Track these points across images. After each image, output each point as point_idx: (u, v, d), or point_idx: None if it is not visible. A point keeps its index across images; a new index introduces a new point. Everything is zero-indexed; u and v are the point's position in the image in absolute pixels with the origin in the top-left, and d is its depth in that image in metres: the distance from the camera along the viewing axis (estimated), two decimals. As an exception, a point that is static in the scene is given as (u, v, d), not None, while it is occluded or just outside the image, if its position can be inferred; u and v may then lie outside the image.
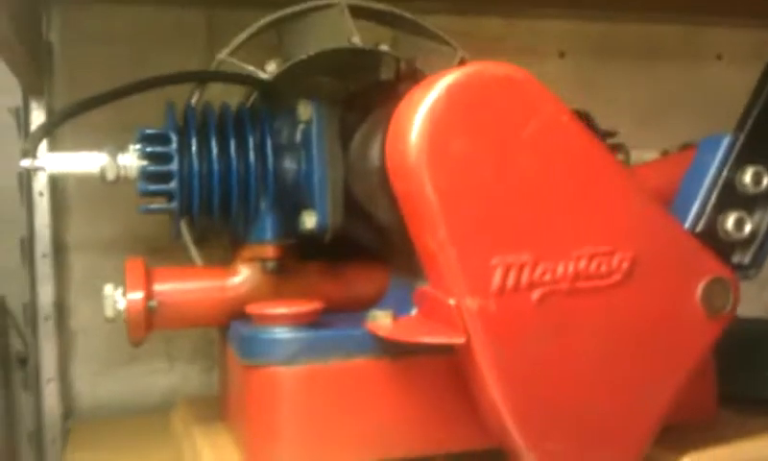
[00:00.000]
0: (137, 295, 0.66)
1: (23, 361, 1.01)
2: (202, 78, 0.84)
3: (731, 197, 0.66)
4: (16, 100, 1.01)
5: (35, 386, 1.01)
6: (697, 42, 1.30)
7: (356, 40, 0.90)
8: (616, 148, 0.87)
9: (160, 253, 0.92)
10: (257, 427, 0.63)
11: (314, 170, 0.70)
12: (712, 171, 0.65)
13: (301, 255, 0.74)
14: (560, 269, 0.59)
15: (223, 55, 0.86)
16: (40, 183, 1.00)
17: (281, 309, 0.63)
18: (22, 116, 1.00)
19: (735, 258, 0.66)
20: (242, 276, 0.71)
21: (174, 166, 0.67)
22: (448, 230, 0.57)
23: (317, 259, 0.75)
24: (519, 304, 0.58)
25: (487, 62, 0.58)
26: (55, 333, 1.00)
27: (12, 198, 1.01)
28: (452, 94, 0.57)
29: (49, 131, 0.71)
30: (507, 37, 1.23)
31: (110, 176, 0.68)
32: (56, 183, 1.01)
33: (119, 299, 0.66)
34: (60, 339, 1.01)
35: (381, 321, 0.63)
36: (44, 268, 1.00)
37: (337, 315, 0.67)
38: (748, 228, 0.65)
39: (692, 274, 0.63)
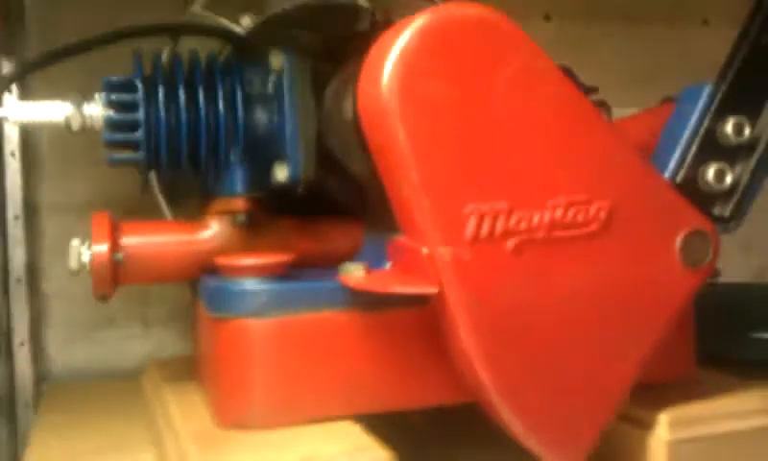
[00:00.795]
0: (102, 247, 0.65)
1: (-6, 325, 1.00)
2: (175, 30, 0.82)
3: (711, 148, 0.64)
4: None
5: (6, 350, 1.00)
6: (684, 6, 1.28)
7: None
8: (598, 105, 0.85)
9: (135, 214, 0.90)
10: (226, 382, 0.62)
11: (286, 121, 0.68)
12: (693, 121, 0.64)
13: (275, 211, 0.73)
14: (536, 218, 0.57)
15: (196, 7, 0.83)
16: (12, 144, 0.98)
17: (250, 261, 0.62)
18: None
19: (716, 211, 0.64)
20: (212, 229, 0.70)
21: (140, 115, 0.65)
22: (421, 176, 0.55)
23: (289, 215, 0.73)
24: (494, 253, 0.57)
25: (460, 4, 0.56)
26: (27, 296, 0.99)
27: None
28: (424, 36, 0.55)
29: (13, 80, 0.69)
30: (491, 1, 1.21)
31: (75, 125, 0.66)
32: (27, 144, 0.99)
33: (84, 251, 0.64)
34: (32, 302, 0.99)
35: (354, 273, 0.62)
36: (16, 230, 0.98)
37: (309, 269, 0.66)
38: (729, 179, 0.64)
39: (671, 225, 0.61)
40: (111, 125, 0.65)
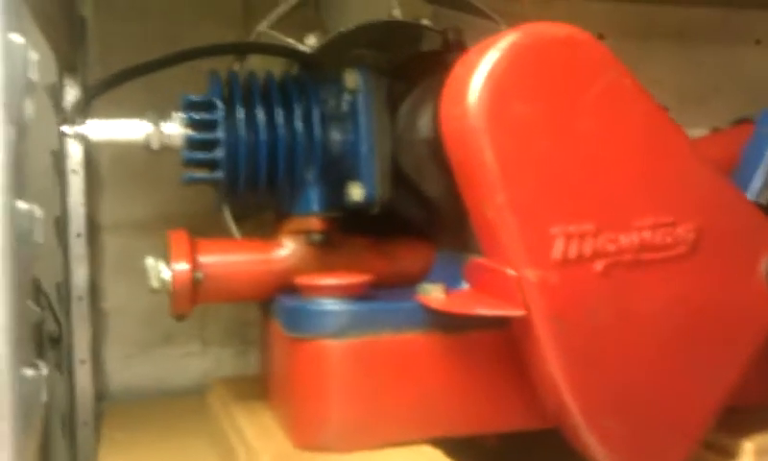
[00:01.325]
0: (184, 266, 0.65)
1: (56, 341, 1.00)
2: (242, 50, 0.82)
3: (796, 169, 0.63)
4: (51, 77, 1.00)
5: (67, 367, 1.00)
6: (736, 26, 1.27)
7: (396, 13, 0.88)
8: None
9: (195, 234, 0.91)
10: (305, 403, 0.62)
11: (362, 140, 0.68)
12: (772, 143, 0.63)
13: (347, 230, 0.72)
14: (623, 239, 0.57)
15: (262, 27, 0.84)
16: (74, 162, 0.99)
17: (331, 280, 0.62)
18: (58, 93, 0.99)
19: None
20: (287, 248, 0.69)
21: (220, 134, 0.65)
22: (508, 196, 0.55)
23: (363, 234, 0.73)
24: (581, 276, 0.56)
25: (547, 23, 0.56)
26: (88, 314, 0.99)
27: (45, 176, 1.00)
28: (511, 55, 0.55)
29: (91, 99, 0.69)
30: (545, 19, 1.21)
31: (155, 144, 0.66)
32: (89, 162, 1.00)
33: (164, 269, 0.65)
34: (92, 320, 1.00)
35: (434, 294, 0.61)
36: (78, 248, 0.99)
37: (385, 289, 0.66)
38: (812, 201, 0.63)
39: (757, 246, 0.60)
40: (191, 144, 0.66)
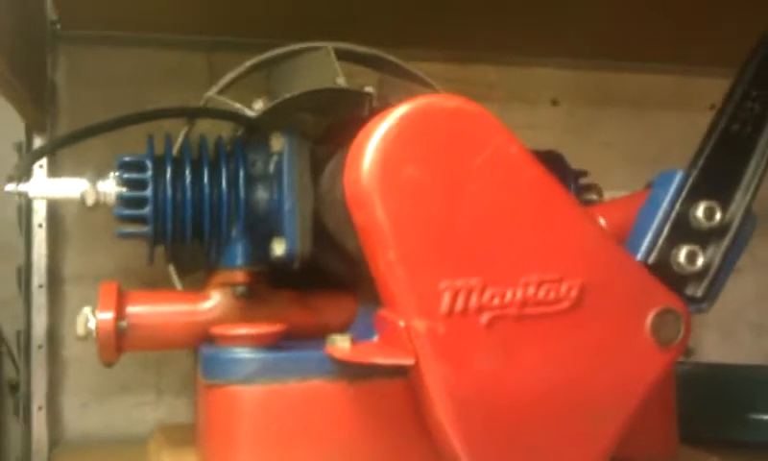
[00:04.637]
0: (107, 315, 0.69)
1: (15, 388, 1.04)
2: (190, 114, 0.88)
3: (683, 231, 0.67)
4: (20, 135, 1.05)
5: (25, 413, 1.04)
6: (690, 92, 1.32)
7: (340, 81, 0.93)
8: (590, 188, 0.89)
9: (153, 285, 0.95)
10: (216, 447, 0.65)
11: (284, 199, 0.73)
12: (665, 205, 0.67)
13: (273, 284, 0.77)
14: (508, 294, 0.61)
15: (211, 92, 0.89)
16: (39, 216, 1.04)
17: (242, 330, 0.66)
18: (24, 151, 1.04)
19: (689, 291, 0.67)
20: (213, 300, 0.74)
21: (148, 192, 0.70)
22: (398, 253, 0.59)
23: (288, 288, 0.77)
24: (468, 328, 0.60)
25: (440, 95, 0.61)
26: (46, 362, 1.03)
27: (11, 228, 1.05)
28: (403, 124, 0.59)
29: (37, 157, 0.75)
30: (500, 85, 1.26)
31: (90, 201, 0.71)
32: (54, 217, 1.05)
33: (90, 318, 0.69)
34: (51, 368, 1.04)
35: (339, 344, 0.65)
36: (39, 298, 1.03)
37: (301, 340, 0.70)
38: (700, 261, 0.67)
39: (642, 304, 0.64)
40: (122, 201, 0.70)
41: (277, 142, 0.74)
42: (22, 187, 0.71)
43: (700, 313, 0.67)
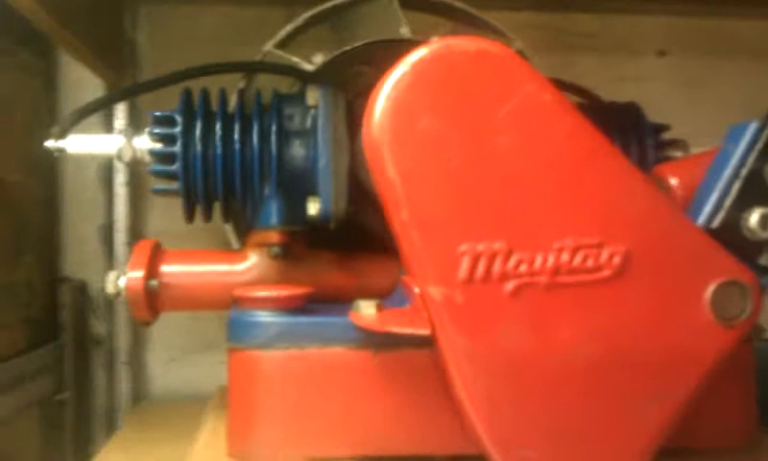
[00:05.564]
0: (137, 274, 0.68)
1: (100, 343, 1.06)
2: (245, 68, 0.85)
3: (757, 191, 0.58)
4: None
5: (109, 369, 1.07)
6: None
7: (404, 31, 0.88)
8: (673, 144, 0.80)
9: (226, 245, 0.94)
10: (235, 412, 0.63)
11: (319, 155, 0.69)
12: (734, 161, 0.58)
13: (314, 245, 0.73)
14: (538, 260, 0.54)
15: (268, 46, 0.86)
16: (122, 175, 1.05)
17: (261, 292, 0.63)
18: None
19: (763, 261, 0.58)
20: (249, 261, 0.71)
21: (177, 148, 0.68)
22: (411, 212, 0.54)
23: (330, 249, 0.74)
24: (490, 296, 0.54)
25: (462, 37, 0.55)
26: (130, 318, 1.05)
27: (93, 186, 1.07)
28: (417, 70, 0.54)
29: (81, 117, 0.74)
30: (600, 35, 1.17)
31: (126, 157, 0.70)
32: (136, 174, 1.05)
33: (121, 277, 0.68)
34: (135, 324, 1.06)
35: (364, 310, 0.61)
36: (123, 255, 1.05)
37: (334, 305, 0.66)
38: (776, 227, 0.58)
39: (700, 275, 0.56)
40: (155, 157, 0.69)
41: (312, 96, 0.70)
42: (60, 143, 0.70)
43: (774, 287, 0.58)
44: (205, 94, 0.72)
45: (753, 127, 0.58)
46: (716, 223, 0.58)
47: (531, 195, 0.54)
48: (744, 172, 0.58)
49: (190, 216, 0.72)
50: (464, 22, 0.94)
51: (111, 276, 0.68)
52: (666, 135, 0.80)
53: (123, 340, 1.06)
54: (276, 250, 0.70)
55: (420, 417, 0.61)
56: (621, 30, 1.17)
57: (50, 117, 1.03)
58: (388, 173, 0.54)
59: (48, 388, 0.99)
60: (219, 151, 0.68)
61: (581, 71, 1.19)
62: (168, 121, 0.69)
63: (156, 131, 0.69)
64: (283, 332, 0.61)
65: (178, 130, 0.68)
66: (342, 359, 0.61)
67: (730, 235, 0.58)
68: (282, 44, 0.87)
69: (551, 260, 0.54)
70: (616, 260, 0.55)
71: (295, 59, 0.84)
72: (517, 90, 0.54)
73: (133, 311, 0.69)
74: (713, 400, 0.62)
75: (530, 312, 0.54)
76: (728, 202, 0.58)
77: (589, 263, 0.55)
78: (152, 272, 0.68)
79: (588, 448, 0.55)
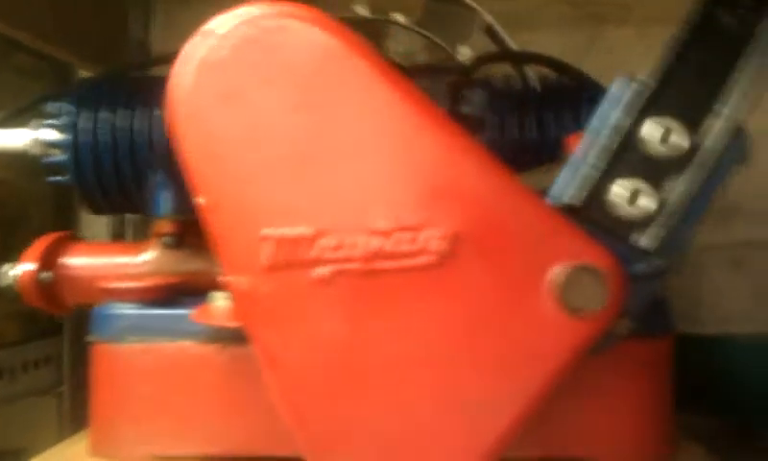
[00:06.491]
0: (28, 266, 0.67)
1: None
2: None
3: (628, 160, 0.49)
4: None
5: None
6: None
7: (361, 10, 0.84)
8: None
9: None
10: (95, 408, 0.61)
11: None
12: (604, 128, 0.50)
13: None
14: (350, 245, 0.49)
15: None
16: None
17: (119, 284, 0.60)
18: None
19: (633, 241, 0.49)
20: (147, 253, 0.69)
21: (65, 137, 0.67)
22: (208, 197, 0.50)
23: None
24: (297, 285, 0.49)
25: (258, 3, 0.50)
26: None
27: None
28: (212, 44, 0.49)
29: (19, 114, 0.74)
30: (635, 6, 1.07)
31: (37, 150, 0.69)
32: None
33: (12, 270, 0.68)
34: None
35: (217, 302, 0.57)
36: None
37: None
38: (649, 201, 0.48)
39: (543, 260, 0.48)
40: (47, 148, 0.68)
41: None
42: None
43: (658, 274, 0.49)
44: (98, 82, 0.71)
45: (632, 85, 0.50)
46: (569, 197, 0.49)
47: (341, 173, 0.49)
48: (611, 138, 0.49)
49: (94, 208, 0.71)
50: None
51: (5, 268, 0.68)
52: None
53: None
54: (168, 240, 0.67)
55: (268, 416, 0.56)
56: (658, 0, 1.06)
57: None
58: (185, 155, 0.50)
59: (46, 381, 1.01)
60: (104, 139, 0.67)
61: (612, 45, 1.10)
62: (60, 111, 0.68)
63: (49, 122, 0.68)
64: (133, 325, 0.59)
65: (67, 120, 0.67)
66: (189, 354, 0.58)
67: (599, 214, 0.49)
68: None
69: (367, 244, 0.48)
70: (441, 244, 0.48)
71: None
72: (321, 58, 0.49)
73: (28, 303, 0.68)
74: (608, 405, 0.55)
75: (344, 302, 0.49)
76: (593, 173, 0.49)
77: (410, 248, 0.48)
78: (46, 264, 0.68)
79: (414, 454, 0.49)
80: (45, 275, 0.67)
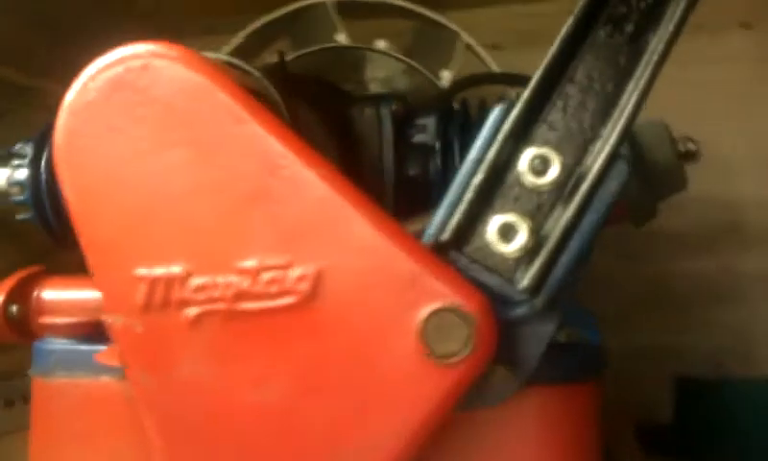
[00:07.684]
0: (-5, 300, 0.70)
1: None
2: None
3: (500, 193, 0.46)
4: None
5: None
6: None
7: (341, 38, 0.84)
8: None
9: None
10: (31, 438, 0.62)
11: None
12: (472, 156, 0.46)
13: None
14: (219, 285, 0.48)
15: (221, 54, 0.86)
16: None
17: (51, 319, 0.62)
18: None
19: (516, 280, 0.46)
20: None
21: (24, 176, 0.69)
22: (86, 236, 0.50)
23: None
24: (169, 325, 0.48)
25: (135, 44, 0.50)
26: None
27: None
28: (89, 86, 0.49)
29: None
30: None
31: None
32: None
33: (-13, 302, 0.70)
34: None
35: (136, 338, 0.58)
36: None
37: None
38: (522, 237, 0.45)
39: (409, 302, 0.45)
40: (10, 187, 0.71)
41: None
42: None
43: (544, 317, 0.46)
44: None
45: (497, 109, 0.46)
46: (446, 235, 0.46)
47: (211, 213, 0.48)
48: (483, 169, 0.46)
49: (58, 242, 0.73)
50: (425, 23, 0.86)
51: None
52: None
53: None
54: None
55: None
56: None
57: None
58: (65, 193, 0.50)
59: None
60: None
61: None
62: (22, 151, 0.71)
63: (13, 162, 0.71)
64: (60, 360, 0.60)
65: (26, 160, 0.70)
66: (110, 390, 0.58)
67: (478, 253, 0.46)
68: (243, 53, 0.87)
69: (233, 285, 0.47)
70: (304, 285, 0.46)
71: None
72: (190, 98, 0.48)
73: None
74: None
75: (210, 344, 0.48)
76: (462, 207, 0.46)
77: (274, 288, 0.47)
78: (15, 297, 0.70)
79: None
80: (12, 308, 0.70)
